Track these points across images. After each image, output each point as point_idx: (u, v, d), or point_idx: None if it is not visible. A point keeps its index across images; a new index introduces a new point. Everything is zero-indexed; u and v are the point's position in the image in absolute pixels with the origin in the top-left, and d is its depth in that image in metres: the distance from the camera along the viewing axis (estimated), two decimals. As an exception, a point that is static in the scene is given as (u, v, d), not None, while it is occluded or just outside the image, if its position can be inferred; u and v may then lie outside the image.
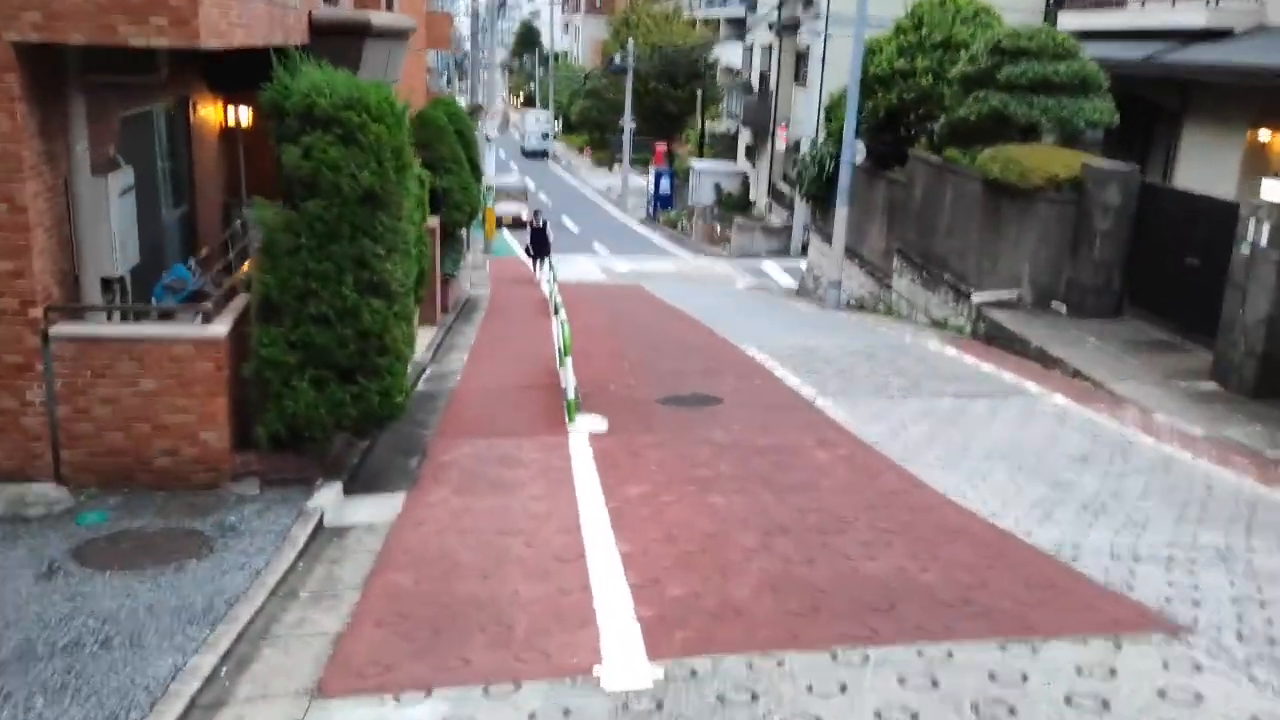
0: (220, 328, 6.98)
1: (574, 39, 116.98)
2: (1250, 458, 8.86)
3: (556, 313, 13.63)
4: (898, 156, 20.40)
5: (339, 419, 6.99)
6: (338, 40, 10.59)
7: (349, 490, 7.39)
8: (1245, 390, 10.77)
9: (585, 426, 9.41)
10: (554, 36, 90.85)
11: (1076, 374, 11.97)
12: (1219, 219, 12.17)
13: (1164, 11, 19.18)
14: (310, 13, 10.58)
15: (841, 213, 20.09)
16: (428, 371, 12.73)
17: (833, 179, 23.03)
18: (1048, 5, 32.57)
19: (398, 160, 7.01)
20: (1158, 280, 13.51)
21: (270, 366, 6.85)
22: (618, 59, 50.85)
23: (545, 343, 14.68)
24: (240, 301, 7.39)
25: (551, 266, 20.96)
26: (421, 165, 18.45)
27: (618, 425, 9.46)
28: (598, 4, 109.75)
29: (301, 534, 6.30)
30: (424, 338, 14.60)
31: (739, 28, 47.56)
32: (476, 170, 20.00)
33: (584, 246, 36.07)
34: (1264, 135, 17.24)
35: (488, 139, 32.36)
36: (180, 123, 9.98)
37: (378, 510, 7.04)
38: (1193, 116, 18.80)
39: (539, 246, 23.38)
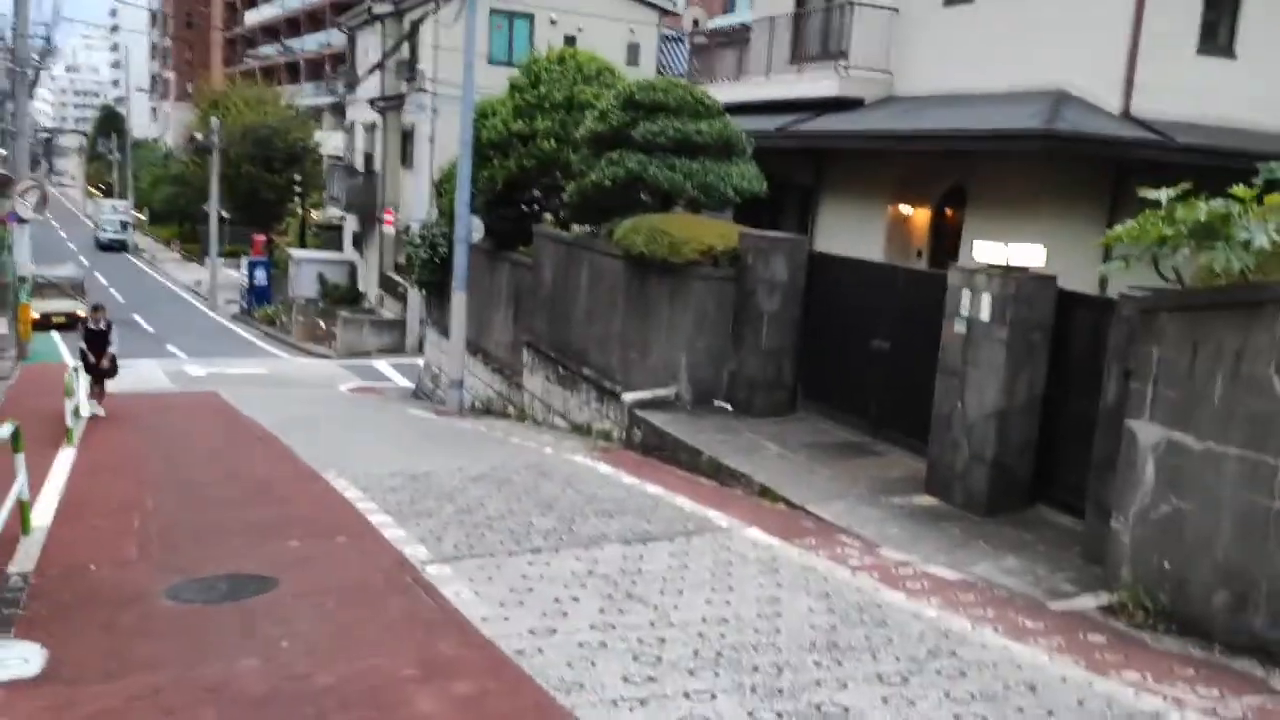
0: None
1: (164, 126, 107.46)
2: (1037, 615, 6.34)
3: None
4: (523, 235, 17.52)
5: None
6: None
7: None
8: (975, 506, 8.48)
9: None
10: (130, 120, 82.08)
11: (765, 492, 9.27)
12: (911, 291, 10.09)
13: (791, 82, 17.92)
14: None
15: (459, 299, 16.79)
16: None
17: (446, 262, 19.87)
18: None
19: None
20: (837, 369, 11.29)
21: None
22: (200, 137, 45.26)
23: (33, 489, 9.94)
24: None
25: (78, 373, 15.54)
26: None
27: (67, 661, 5.29)
28: (189, 90, 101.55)
29: None
30: None
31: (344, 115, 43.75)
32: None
33: (157, 349, 30.22)
34: (905, 209, 16.13)
35: (20, 220, 26.03)
36: None
37: None
38: (830, 190, 17.55)
39: (97, 353, 15.58)
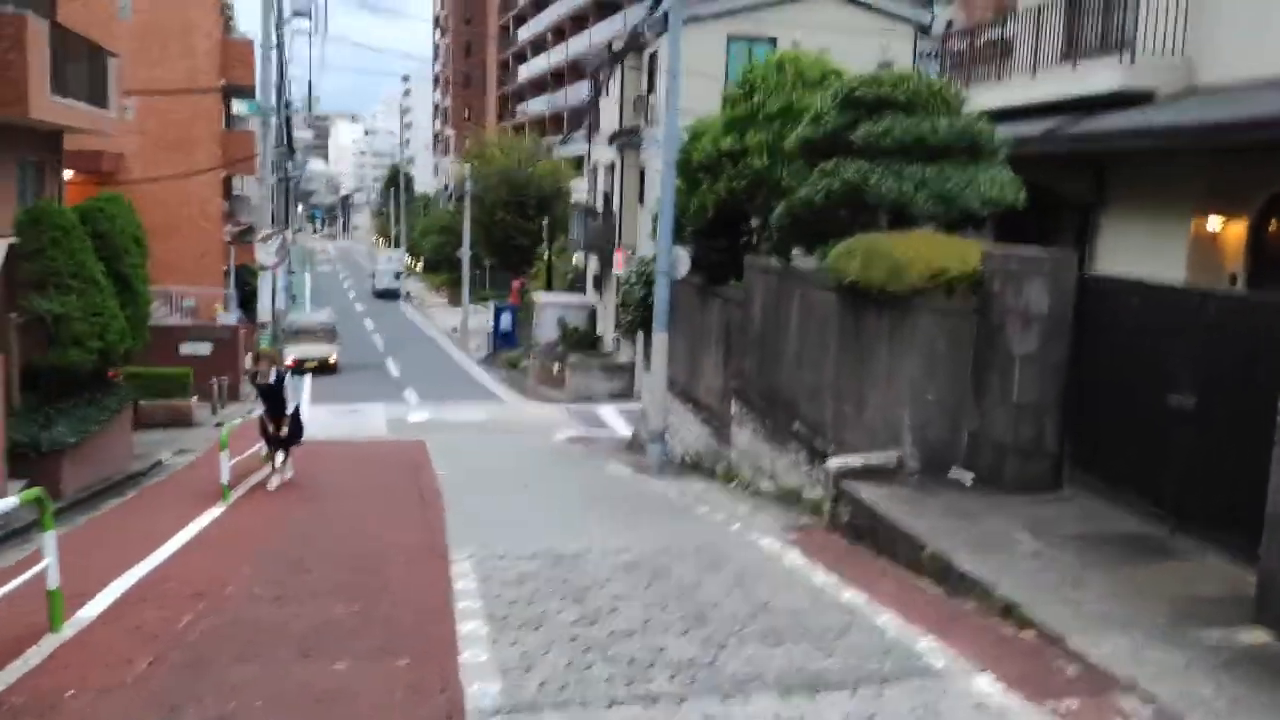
0: None
1: (443, 180, 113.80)
2: None
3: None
4: (736, 267, 15.36)
5: None
6: None
7: None
8: (1343, 655, 5.44)
9: None
10: (415, 176, 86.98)
11: (1009, 611, 6.53)
12: (1230, 326, 7.09)
13: (1063, 78, 14.77)
14: None
15: (660, 341, 14.82)
16: None
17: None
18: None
19: None
20: (1118, 432, 8.32)
21: None
22: (451, 184, 46.39)
23: (131, 561, 8.68)
24: None
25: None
26: (32, 280, 12.67)
27: None
28: (466, 145, 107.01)
29: None
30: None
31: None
32: (131, 290, 14.12)
33: (394, 393, 30.29)
34: (1214, 223, 12.68)
35: (262, 267, 26.63)
36: None
37: None
38: (1112, 204, 14.23)
39: (274, 416, 12.81)
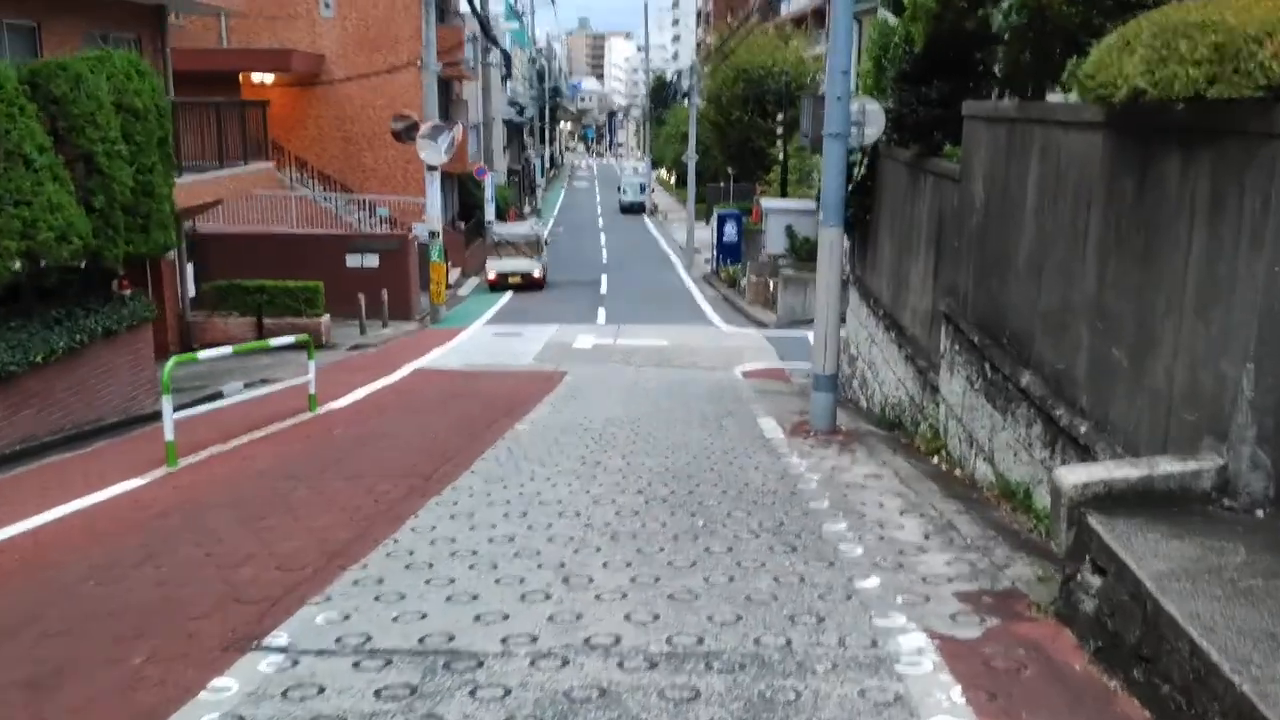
0: None
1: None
2: None
3: None
4: (959, 128, 10.14)
5: None
6: None
7: None
8: None
9: None
10: (648, 89, 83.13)
11: None
12: None
13: None
14: None
15: (829, 239, 9.90)
16: None
17: (868, 187, 13.19)
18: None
19: None
20: None
21: None
22: (677, 79, 41.99)
23: None
24: None
25: None
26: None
27: None
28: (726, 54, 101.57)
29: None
30: None
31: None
32: (101, 174, 10.64)
33: (586, 314, 26.70)
34: None
35: (430, 167, 23.44)
36: None
37: None
38: None
39: None
